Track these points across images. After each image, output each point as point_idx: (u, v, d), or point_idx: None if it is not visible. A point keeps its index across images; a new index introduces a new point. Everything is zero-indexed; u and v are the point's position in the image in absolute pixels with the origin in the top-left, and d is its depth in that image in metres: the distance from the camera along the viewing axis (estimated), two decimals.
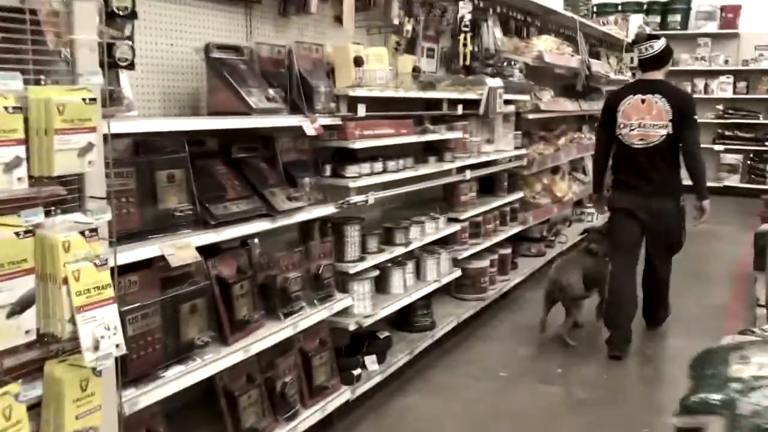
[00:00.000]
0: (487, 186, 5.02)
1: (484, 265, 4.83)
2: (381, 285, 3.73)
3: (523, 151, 5.30)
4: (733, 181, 10.76)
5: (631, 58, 9.24)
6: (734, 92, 10.85)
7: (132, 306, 2.22)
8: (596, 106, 7.42)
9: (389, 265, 3.76)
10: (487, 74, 4.73)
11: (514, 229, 5.36)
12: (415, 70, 3.79)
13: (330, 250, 3.21)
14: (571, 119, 7.44)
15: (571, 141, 6.75)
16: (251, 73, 2.89)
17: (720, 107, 10.95)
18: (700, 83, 11.09)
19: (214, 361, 2.48)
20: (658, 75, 4.38)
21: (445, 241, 4.30)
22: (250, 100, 2.73)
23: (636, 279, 4.46)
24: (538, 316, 4.80)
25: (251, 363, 2.78)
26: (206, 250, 2.54)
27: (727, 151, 10.87)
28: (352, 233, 3.35)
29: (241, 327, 2.68)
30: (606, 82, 7.45)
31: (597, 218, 7.88)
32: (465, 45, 4.40)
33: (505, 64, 5.05)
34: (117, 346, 1.84)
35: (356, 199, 3.26)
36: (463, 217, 4.42)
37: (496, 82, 4.57)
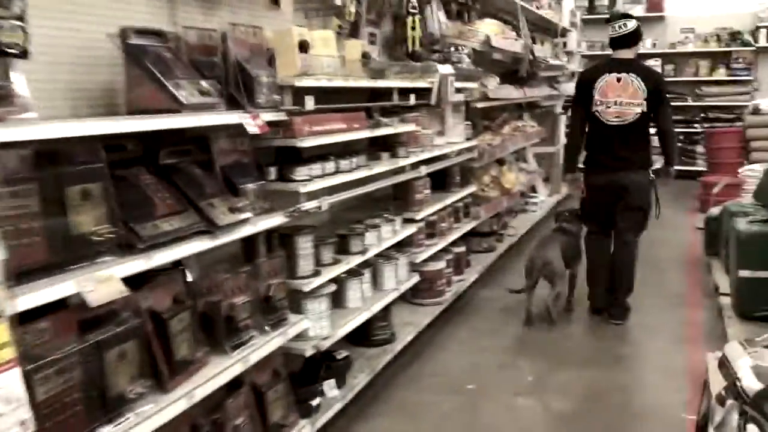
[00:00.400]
0: (439, 181, 4.67)
1: (441, 266, 4.49)
2: (337, 299, 3.32)
3: (473, 143, 4.99)
4: (660, 163, 10.86)
5: (564, 43, 9.15)
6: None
7: (42, 362, 1.73)
8: (538, 93, 7.22)
9: (345, 276, 3.35)
10: (434, 61, 4.37)
11: (468, 226, 5.05)
12: (365, 56, 3.38)
13: (280, 266, 2.77)
14: (511, 107, 7.19)
15: (515, 130, 6.50)
16: (179, 62, 2.42)
17: None
18: None
19: (153, 415, 2.02)
20: (629, 54, 4.50)
21: (401, 244, 3.93)
22: (179, 95, 2.26)
23: (610, 250, 4.64)
24: (497, 318, 4.56)
25: (195, 406, 2.32)
26: (134, 280, 2.07)
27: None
28: (305, 245, 2.92)
29: (182, 369, 2.22)
30: (546, 68, 7.24)
31: (539, 206, 7.74)
32: (413, 28, 4.01)
33: (452, 49, 4.71)
34: (22, 423, 1.39)
35: (308, 205, 2.84)
36: (419, 217, 4.05)
37: (447, 69, 4.21)
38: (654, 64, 10.87)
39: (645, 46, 10.94)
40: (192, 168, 2.46)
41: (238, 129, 2.51)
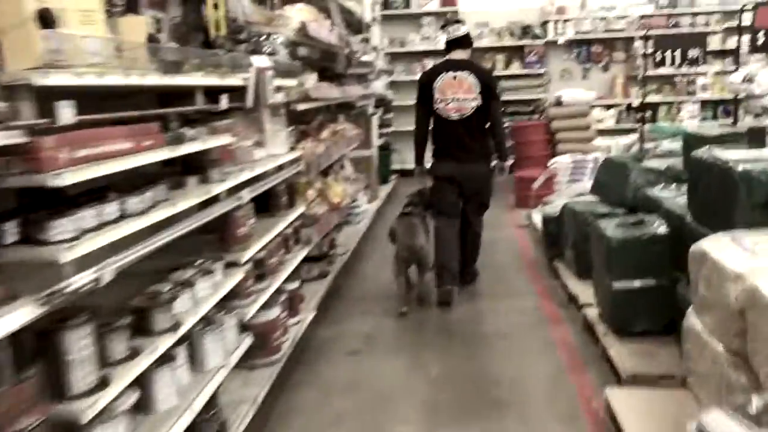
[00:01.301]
0: (262, 204, 3.68)
1: (275, 314, 3.51)
2: (141, 404, 2.22)
3: (298, 153, 4.05)
4: None
5: (367, 39, 8.53)
6: None
7: None
8: (355, 92, 6.47)
9: (150, 366, 2.26)
10: (243, 52, 3.37)
11: (301, 254, 4.11)
12: (152, 39, 2.29)
13: (35, 390, 1.64)
14: (324, 109, 6.36)
15: (334, 134, 5.68)
16: None
17: None
18: (429, 64, 10.85)
19: None
20: (463, 55, 4.91)
21: (224, 298, 2.89)
22: None
23: (457, 234, 4.93)
24: (348, 366, 3.73)
25: None
26: None
27: None
28: (79, 344, 1.80)
29: None
30: (358, 63, 6.52)
31: (363, 216, 7.03)
32: (216, 6, 2.96)
33: (263, 38, 3.74)
34: None
35: (78, 281, 1.73)
36: (245, 258, 3.03)
37: (264, 61, 3.24)
38: None
39: (441, 43, 10.75)
40: None
41: None
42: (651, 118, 10.52)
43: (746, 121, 5.08)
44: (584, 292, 4.43)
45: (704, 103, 10.46)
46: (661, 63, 7.28)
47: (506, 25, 10.68)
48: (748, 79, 4.76)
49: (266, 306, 3.42)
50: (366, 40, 8.29)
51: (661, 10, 10.27)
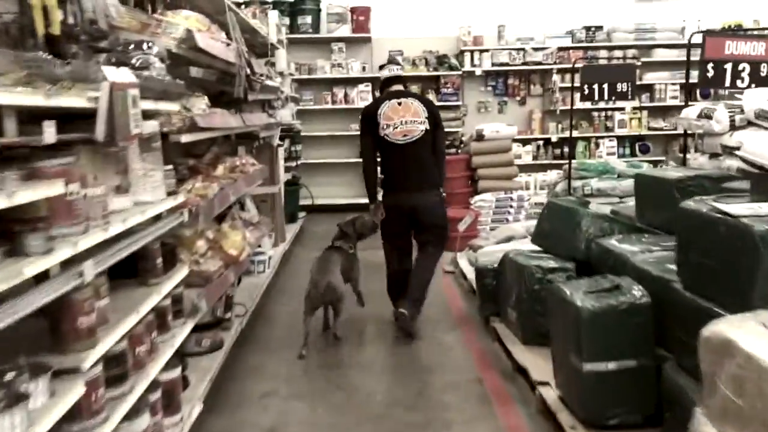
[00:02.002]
0: (128, 268, 2.72)
1: (141, 426, 2.53)
2: None
3: (180, 199, 3.11)
4: None
5: (273, 63, 7.64)
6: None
7: None
8: (257, 121, 5.57)
9: None
10: (99, 62, 2.44)
11: (184, 331, 3.14)
12: None
13: None
14: (220, 140, 5.40)
15: (232, 170, 4.75)
16: None
17: None
18: (339, 92, 10.13)
19: None
20: (401, 87, 4.90)
21: (59, 422, 1.91)
22: None
23: (408, 265, 4.80)
24: None
25: None
26: None
27: None
28: None
29: None
30: (261, 88, 5.62)
31: (267, 264, 6.08)
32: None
33: (132, 47, 2.80)
34: None
35: None
36: (89, 361, 2.06)
37: (126, 75, 2.32)
38: (364, 89, 10.04)
39: (353, 69, 10.07)
40: None
41: None
42: (569, 154, 10.21)
43: (699, 161, 4.56)
44: (535, 363, 3.70)
45: (620, 139, 10.26)
46: (589, 97, 6.87)
47: (421, 54, 10.11)
48: (706, 115, 4.24)
49: (131, 416, 2.44)
50: (271, 64, 7.42)
51: (579, 42, 10.02)
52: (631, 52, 9.86)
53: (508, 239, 6.29)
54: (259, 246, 5.88)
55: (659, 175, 4.01)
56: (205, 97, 3.80)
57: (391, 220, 4.72)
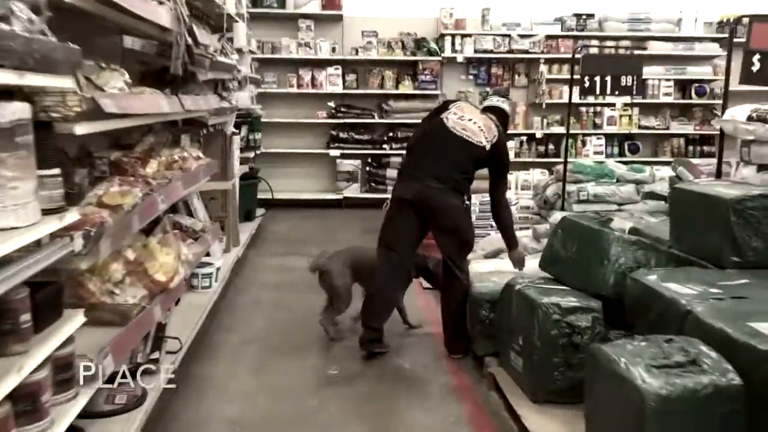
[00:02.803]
0: None
1: None
2: None
3: (71, 218, 2.13)
4: (353, 191, 9.04)
5: (231, 39, 6.63)
6: (344, 86, 9.16)
7: None
8: (204, 105, 4.57)
9: None
10: None
11: (75, 408, 2.18)
12: None
13: None
14: (160, 126, 4.40)
15: (170, 166, 3.79)
16: None
17: (331, 104, 9.17)
18: (306, 75, 9.13)
19: None
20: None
21: None
22: None
23: (396, 285, 4.15)
24: None
25: None
26: None
27: (343, 156, 9.13)
28: None
29: None
30: (212, 65, 4.63)
31: (218, 276, 5.11)
32: None
33: None
34: None
35: None
36: None
37: None
38: (335, 72, 9.07)
39: (322, 50, 9.08)
40: None
41: None
42: (554, 152, 9.43)
43: (743, 173, 3.75)
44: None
45: (609, 137, 9.51)
46: (590, 90, 6.07)
47: (397, 36, 9.16)
48: (759, 118, 3.43)
49: None
50: (229, 40, 6.41)
51: (569, 31, 9.20)
52: (623, 44, 9.08)
53: (497, 253, 5.48)
54: (207, 254, 4.91)
55: (710, 193, 3.18)
56: (125, 73, 2.82)
57: (394, 216, 4.01)
